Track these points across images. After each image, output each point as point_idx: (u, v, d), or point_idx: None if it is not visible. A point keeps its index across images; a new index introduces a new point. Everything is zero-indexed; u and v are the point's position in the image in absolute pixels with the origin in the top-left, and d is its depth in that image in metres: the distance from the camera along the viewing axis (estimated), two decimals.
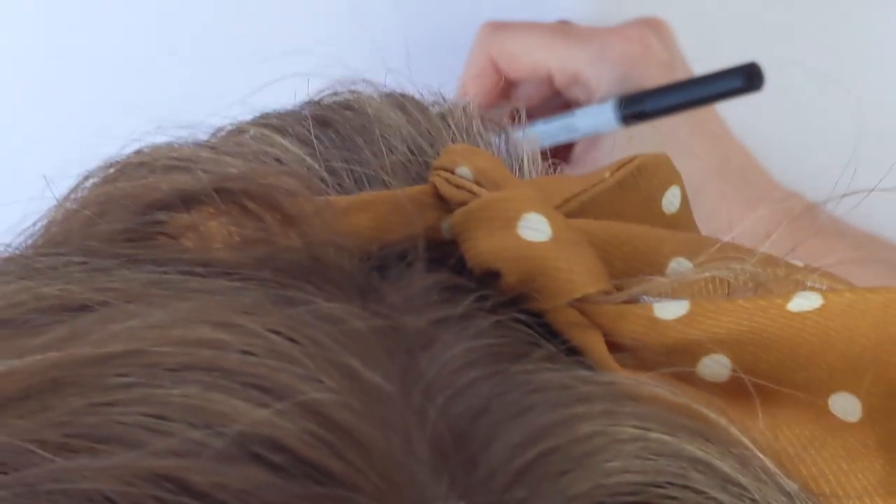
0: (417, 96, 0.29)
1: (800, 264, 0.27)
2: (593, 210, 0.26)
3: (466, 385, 0.22)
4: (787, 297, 0.24)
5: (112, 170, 0.26)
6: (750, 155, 0.54)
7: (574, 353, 0.24)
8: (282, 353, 0.20)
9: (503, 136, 0.29)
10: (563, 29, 0.52)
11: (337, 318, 0.21)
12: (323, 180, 0.26)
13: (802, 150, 0.56)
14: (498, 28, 0.51)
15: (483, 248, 0.24)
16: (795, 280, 0.26)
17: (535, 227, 0.24)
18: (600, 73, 0.50)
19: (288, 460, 0.19)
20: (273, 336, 0.21)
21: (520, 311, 0.24)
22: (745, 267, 0.25)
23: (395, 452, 0.20)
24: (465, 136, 0.28)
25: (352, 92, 0.28)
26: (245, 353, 0.20)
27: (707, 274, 0.25)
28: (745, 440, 0.23)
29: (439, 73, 0.53)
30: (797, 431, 0.24)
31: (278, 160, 0.26)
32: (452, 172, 0.25)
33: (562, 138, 0.50)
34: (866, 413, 0.24)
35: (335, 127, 0.27)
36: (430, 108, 0.29)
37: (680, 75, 0.51)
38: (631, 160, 0.27)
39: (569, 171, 0.52)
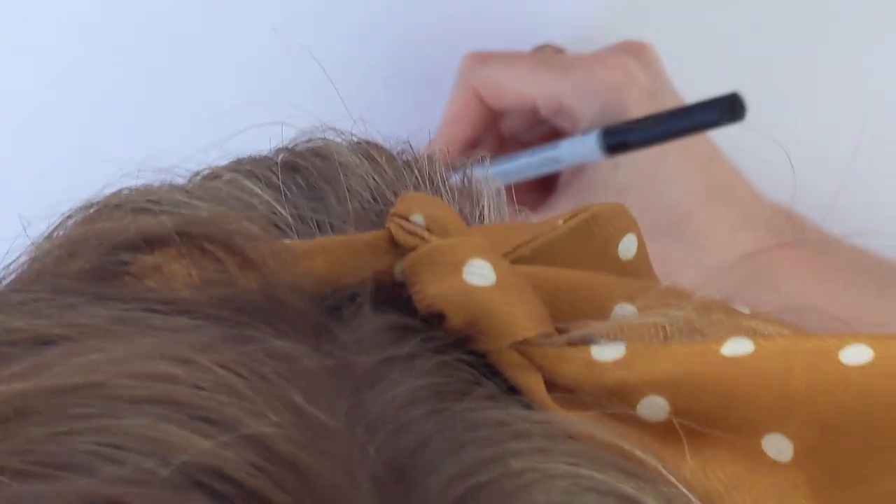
0: (385, 145, 0.30)
1: (744, 310, 0.28)
2: (547, 255, 0.28)
3: (409, 421, 0.23)
4: (721, 342, 0.25)
5: (91, 210, 0.27)
6: (740, 176, 0.54)
7: (516, 392, 0.25)
8: (231, 388, 0.22)
9: (467, 183, 0.30)
10: (546, 58, 0.53)
11: (287, 356, 0.23)
12: (288, 225, 0.27)
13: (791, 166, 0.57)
14: (480, 60, 0.52)
15: (430, 291, 0.25)
16: (736, 325, 0.27)
17: (479, 273, 0.25)
18: (583, 103, 0.50)
19: (231, 489, 0.21)
20: (224, 372, 0.22)
21: (464, 352, 0.25)
22: (682, 313, 0.26)
23: (336, 484, 0.22)
24: (428, 184, 0.29)
25: (322, 139, 0.30)
26: (196, 387, 0.22)
27: (645, 320, 0.26)
28: (673, 478, 0.24)
29: (424, 106, 0.55)
30: (728, 471, 0.25)
31: (247, 204, 0.28)
32: (407, 219, 0.26)
33: (547, 170, 0.51)
34: (797, 454, 0.26)
35: (304, 173, 0.29)
36: (397, 156, 0.30)
37: (664, 101, 0.51)
38: (586, 209, 0.28)
39: (555, 200, 0.53)
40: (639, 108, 0.50)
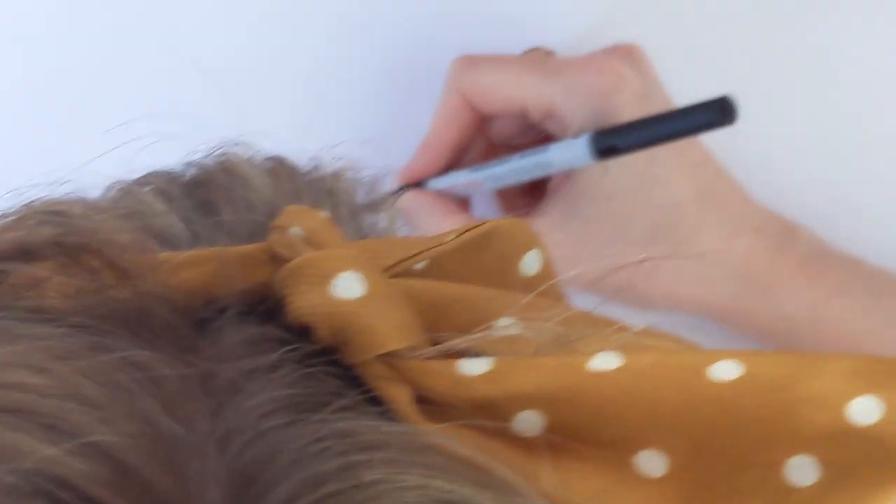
0: (294, 160, 0.31)
1: (633, 326, 0.28)
2: (439, 270, 0.28)
3: (264, 432, 0.24)
4: (589, 356, 0.26)
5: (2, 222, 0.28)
6: (731, 180, 0.54)
7: (383, 404, 0.26)
8: (85, 397, 0.23)
9: (372, 199, 0.31)
10: (536, 62, 0.53)
11: (147, 365, 0.24)
12: (180, 239, 0.28)
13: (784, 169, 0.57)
14: (469, 64, 0.52)
15: (298, 303, 0.26)
16: (611, 338, 0.27)
17: (347, 285, 0.26)
18: (573, 107, 0.50)
19: (73, 498, 0.21)
20: (81, 380, 0.23)
21: (332, 363, 0.26)
22: (549, 326, 0.26)
23: (183, 495, 0.22)
24: (329, 199, 0.30)
25: (229, 153, 0.31)
26: (50, 395, 0.23)
27: (512, 332, 0.26)
28: (531, 491, 0.24)
29: (415, 109, 0.55)
30: (592, 484, 0.26)
31: (146, 218, 0.29)
32: (286, 232, 0.27)
33: (537, 174, 0.52)
34: (672, 469, 0.26)
35: (205, 188, 0.30)
36: (305, 172, 0.31)
37: (655, 103, 0.51)
38: (480, 224, 0.29)
39: (545, 204, 0.53)
40: (629, 110, 0.50)
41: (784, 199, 0.55)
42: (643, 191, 0.52)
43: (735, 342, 0.55)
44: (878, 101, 0.57)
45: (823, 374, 0.26)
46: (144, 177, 0.30)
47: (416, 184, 0.54)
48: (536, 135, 0.54)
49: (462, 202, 0.55)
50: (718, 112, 0.47)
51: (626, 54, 0.52)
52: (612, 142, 0.49)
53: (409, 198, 0.54)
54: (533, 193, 0.54)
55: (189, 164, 0.31)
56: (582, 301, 0.30)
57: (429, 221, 0.53)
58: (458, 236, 0.28)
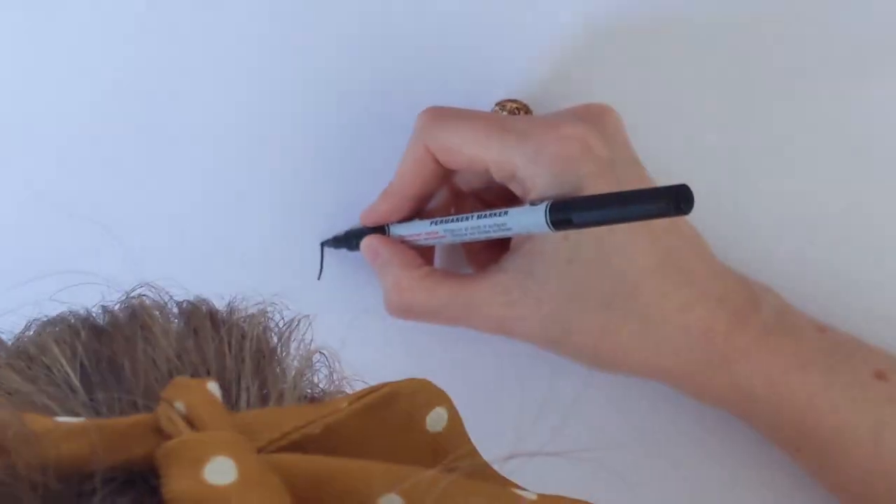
0: (210, 305, 0.31)
1: (528, 494, 0.28)
2: (335, 436, 0.28)
3: None
4: None
5: None
6: (700, 247, 0.54)
7: None
8: None
9: (280, 350, 0.31)
10: (502, 122, 0.52)
11: None
12: (73, 401, 0.28)
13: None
14: (435, 119, 0.52)
15: (171, 486, 0.26)
16: None
17: (220, 471, 0.26)
18: (535, 174, 0.50)
19: None
20: None
21: None
22: None
23: None
24: (235, 353, 0.30)
25: (142, 301, 0.31)
26: None
27: None
28: None
29: (377, 161, 0.55)
30: None
31: (47, 372, 0.29)
32: (172, 406, 0.27)
33: (495, 234, 0.51)
34: None
35: (111, 339, 0.30)
36: (223, 316, 0.31)
37: (621, 172, 0.51)
38: (378, 388, 0.29)
39: (507, 260, 0.53)
40: (592, 180, 0.50)
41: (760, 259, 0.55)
42: (602, 257, 0.51)
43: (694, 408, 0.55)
44: (864, 161, 0.57)
45: None
46: (57, 318, 0.31)
47: (380, 228, 0.55)
48: (502, 187, 0.53)
49: (426, 250, 0.55)
50: (672, 201, 0.46)
51: (596, 117, 0.52)
52: (568, 215, 0.49)
53: (370, 243, 0.54)
54: (498, 245, 0.54)
55: (103, 308, 0.31)
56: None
57: (387, 271, 0.53)
58: (351, 403, 0.28)
